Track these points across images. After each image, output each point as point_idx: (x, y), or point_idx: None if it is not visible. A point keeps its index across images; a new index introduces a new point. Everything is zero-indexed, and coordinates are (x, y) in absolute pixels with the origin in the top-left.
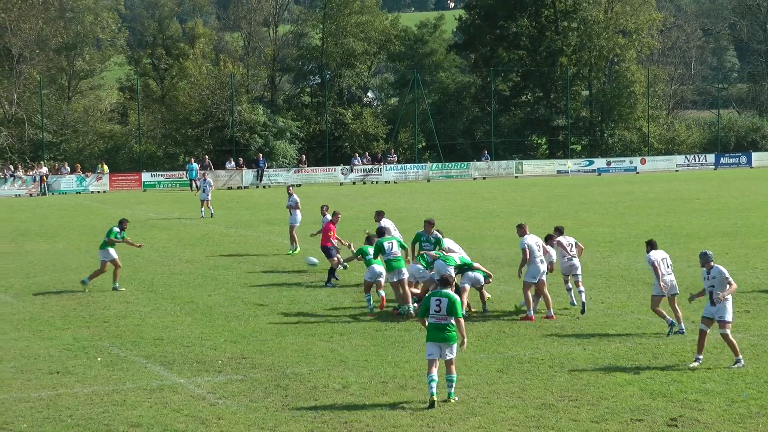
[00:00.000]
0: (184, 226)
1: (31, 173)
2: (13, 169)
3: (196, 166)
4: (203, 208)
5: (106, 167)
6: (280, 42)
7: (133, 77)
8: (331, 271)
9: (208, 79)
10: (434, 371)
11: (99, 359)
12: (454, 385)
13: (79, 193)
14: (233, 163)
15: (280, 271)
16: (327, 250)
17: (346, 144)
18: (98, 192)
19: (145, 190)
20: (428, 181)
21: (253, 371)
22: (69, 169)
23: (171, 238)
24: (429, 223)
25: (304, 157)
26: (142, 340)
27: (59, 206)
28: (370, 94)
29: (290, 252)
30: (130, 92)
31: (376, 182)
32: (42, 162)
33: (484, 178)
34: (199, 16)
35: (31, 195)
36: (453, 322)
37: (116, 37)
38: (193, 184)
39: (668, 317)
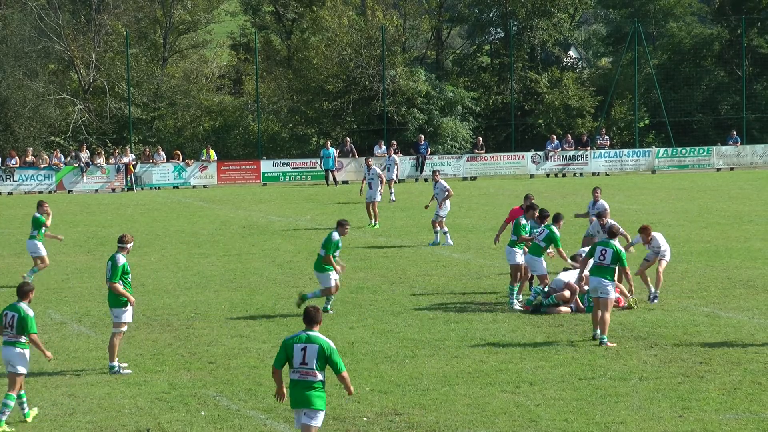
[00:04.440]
0: (318, 233)
1: (113, 161)
2: (89, 155)
3: (333, 152)
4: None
5: (213, 153)
6: None
7: (251, 31)
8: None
9: (352, 33)
10: None
11: (203, 413)
12: None
13: (177, 187)
14: (384, 147)
15: (447, 294)
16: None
17: (540, 122)
18: (202, 186)
19: (264, 184)
20: (653, 172)
21: None
22: (164, 156)
23: (300, 251)
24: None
25: (480, 140)
26: (260, 387)
27: (151, 205)
28: (572, 53)
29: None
30: (246, 52)
31: (581, 174)
32: (128, 146)
33: (731, 169)
34: None
35: (113, 190)
36: None
37: None
38: (330, 176)
39: None
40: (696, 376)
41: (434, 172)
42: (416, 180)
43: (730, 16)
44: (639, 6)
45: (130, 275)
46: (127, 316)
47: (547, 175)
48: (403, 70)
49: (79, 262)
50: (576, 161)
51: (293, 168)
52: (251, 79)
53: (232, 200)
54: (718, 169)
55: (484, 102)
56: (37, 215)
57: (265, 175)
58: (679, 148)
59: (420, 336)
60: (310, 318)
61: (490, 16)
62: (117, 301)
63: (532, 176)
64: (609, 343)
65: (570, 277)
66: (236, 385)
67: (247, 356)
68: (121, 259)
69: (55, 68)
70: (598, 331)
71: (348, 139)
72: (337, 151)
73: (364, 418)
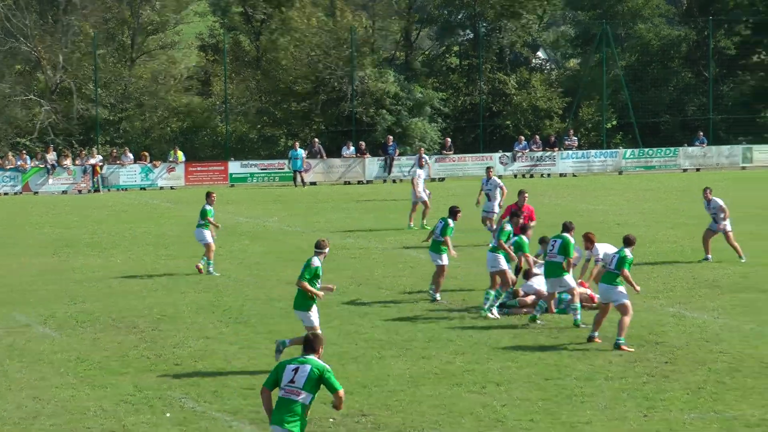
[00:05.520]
0: (286, 235)
1: (80, 163)
2: (56, 156)
3: (302, 153)
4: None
5: (180, 154)
6: None
7: (219, 32)
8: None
9: (321, 34)
10: None
11: (167, 415)
12: None
13: (144, 189)
14: (353, 148)
15: (415, 295)
16: None
17: (508, 123)
18: (170, 188)
19: (232, 186)
20: (620, 173)
21: None
22: (131, 157)
23: (268, 252)
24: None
25: (449, 141)
26: (226, 389)
27: (117, 207)
28: (541, 54)
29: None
30: (215, 53)
31: (548, 175)
32: (95, 148)
33: (698, 170)
34: None
35: (80, 191)
36: None
37: None
38: (298, 177)
39: None
40: (661, 376)
41: (488, 168)
42: (384, 181)
43: (697, 17)
44: (607, 8)
45: (320, 280)
46: (314, 318)
47: (515, 176)
48: (372, 71)
49: (44, 264)
50: (544, 162)
51: (261, 169)
52: (220, 80)
53: (199, 201)
54: (685, 170)
55: (453, 103)
56: (207, 207)
57: (233, 176)
58: (646, 149)
59: (387, 337)
60: (309, 345)
61: (459, 17)
62: (303, 303)
63: (500, 177)
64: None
65: (539, 284)
66: (202, 387)
67: (213, 358)
68: (316, 261)
69: (22, 69)
70: (596, 333)
71: (316, 140)
72: (306, 152)
73: (330, 420)
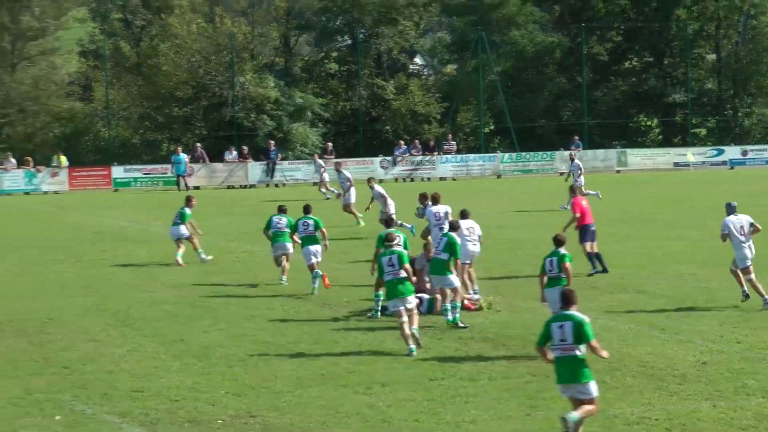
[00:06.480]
0: (170, 239)
1: None
2: None
3: (185, 157)
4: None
5: (64, 159)
6: None
7: (99, 38)
8: None
9: (201, 40)
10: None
11: (57, 417)
12: None
13: (29, 193)
14: (235, 153)
15: (299, 298)
16: None
17: (387, 127)
18: (54, 192)
19: (116, 190)
20: (498, 177)
21: None
22: (14, 162)
23: (152, 255)
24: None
25: (330, 145)
26: (115, 392)
27: (2, 211)
28: (418, 60)
29: None
30: (96, 59)
31: (428, 179)
32: None
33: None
34: None
35: None
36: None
37: None
38: (181, 182)
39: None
40: (543, 375)
41: (369, 179)
42: (267, 185)
43: (570, 24)
44: (482, 14)
45: None
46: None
47: (396, 180)
48: (252, 76)
49: None
50: (424, 166)
51: (144, 174)
52: (101, 85)
53: (83, 206)
54: (561, 174)
55: (333, 108)
56: (186, 210)
57: (117, 180)
58: (524, 153)
59: (273, 339)
60: (567, 299)
61: (337, 23)
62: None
63: (381, 181)
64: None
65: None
66: (91, 390)
67: (101, 361)
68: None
69: None
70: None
71: (199, 144)
72: (189, 156)
73: (219, 421)
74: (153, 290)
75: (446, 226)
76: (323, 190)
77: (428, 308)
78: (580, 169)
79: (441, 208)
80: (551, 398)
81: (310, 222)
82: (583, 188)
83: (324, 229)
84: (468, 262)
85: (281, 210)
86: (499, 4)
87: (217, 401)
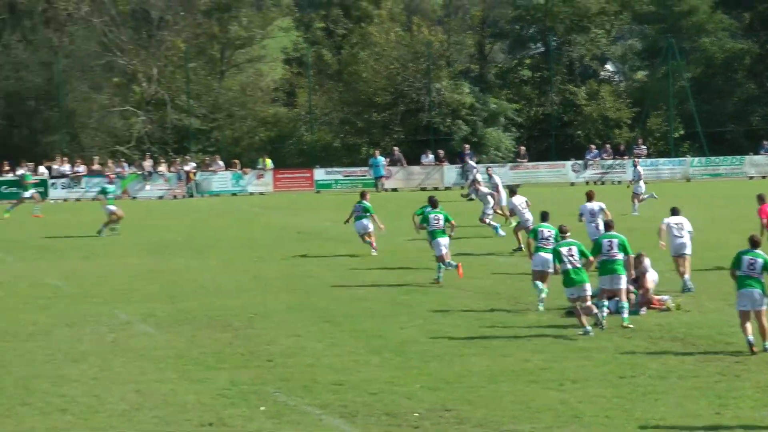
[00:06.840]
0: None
1: (174, 170)
2: (153, 164)
3: (382, 160)
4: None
5: (269, 162)
6: None
7: (303, 46)
8: None
9: (399, 48)
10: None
11: (262, 408)
12: None
13: (236, 194)
14: (431, 156)
15: (493, 295)
16: None
17: (579, 132)
18: (259, 194)
19: (318, 192)
20: (688, 180)
21: (460, 427)
22: (222, 165)
23: (354, 255)
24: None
25: (523, 149)
26: (316, 384)
27: (210, 212)
28: (609, 66)
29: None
30: (299, 66)
31: (619, 182)
32: (188, 155)
33: (764, 177)
34: None
35: (175, 197)
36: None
37: None
38: (379, 184)
39: None
40: (732, 375)
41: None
42: (462, 187)
43: (759, 31)
44: (673, 22)
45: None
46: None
47: (587, 183)
48: (448, 83)
49: (144, 265)
50: (614, 170)
51: (345, 176)
52: (304, 91)
53: (287, 207)
54: (751, 177)
55: (526, 113)
56: (366, 203)
57: (319, 182)
58: (713, 158)
59: (467, 336)
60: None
61: (530, 31)
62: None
63: (572, 184)
64: None
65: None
66: (293, 382)
67: (303, 355)
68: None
69: (119, 81)
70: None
71: (396, 148)
72: (387, 159)
73: (415, 414)
74: (353, 289)
75: (600, 222)
76: (470, 190)
77: (616, 308)
78: (640, 175)
79: (595, 205)
80: (740, 397)
81: (440, 216)
82: (642, 194)
83: (453, 221)
84: (685, 254)
85: (432, 202)
86: (689, 12)
87: (413, 395)
